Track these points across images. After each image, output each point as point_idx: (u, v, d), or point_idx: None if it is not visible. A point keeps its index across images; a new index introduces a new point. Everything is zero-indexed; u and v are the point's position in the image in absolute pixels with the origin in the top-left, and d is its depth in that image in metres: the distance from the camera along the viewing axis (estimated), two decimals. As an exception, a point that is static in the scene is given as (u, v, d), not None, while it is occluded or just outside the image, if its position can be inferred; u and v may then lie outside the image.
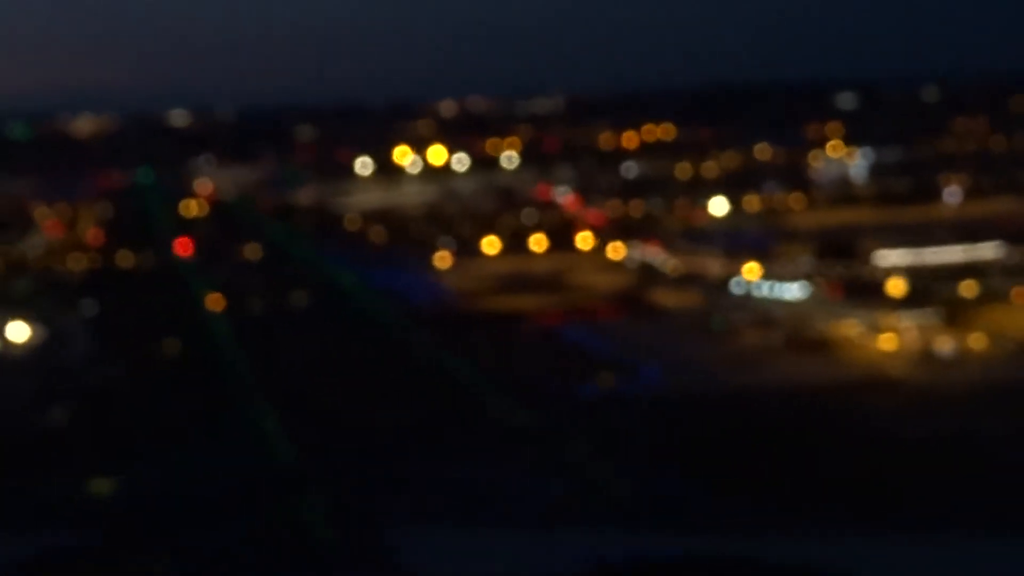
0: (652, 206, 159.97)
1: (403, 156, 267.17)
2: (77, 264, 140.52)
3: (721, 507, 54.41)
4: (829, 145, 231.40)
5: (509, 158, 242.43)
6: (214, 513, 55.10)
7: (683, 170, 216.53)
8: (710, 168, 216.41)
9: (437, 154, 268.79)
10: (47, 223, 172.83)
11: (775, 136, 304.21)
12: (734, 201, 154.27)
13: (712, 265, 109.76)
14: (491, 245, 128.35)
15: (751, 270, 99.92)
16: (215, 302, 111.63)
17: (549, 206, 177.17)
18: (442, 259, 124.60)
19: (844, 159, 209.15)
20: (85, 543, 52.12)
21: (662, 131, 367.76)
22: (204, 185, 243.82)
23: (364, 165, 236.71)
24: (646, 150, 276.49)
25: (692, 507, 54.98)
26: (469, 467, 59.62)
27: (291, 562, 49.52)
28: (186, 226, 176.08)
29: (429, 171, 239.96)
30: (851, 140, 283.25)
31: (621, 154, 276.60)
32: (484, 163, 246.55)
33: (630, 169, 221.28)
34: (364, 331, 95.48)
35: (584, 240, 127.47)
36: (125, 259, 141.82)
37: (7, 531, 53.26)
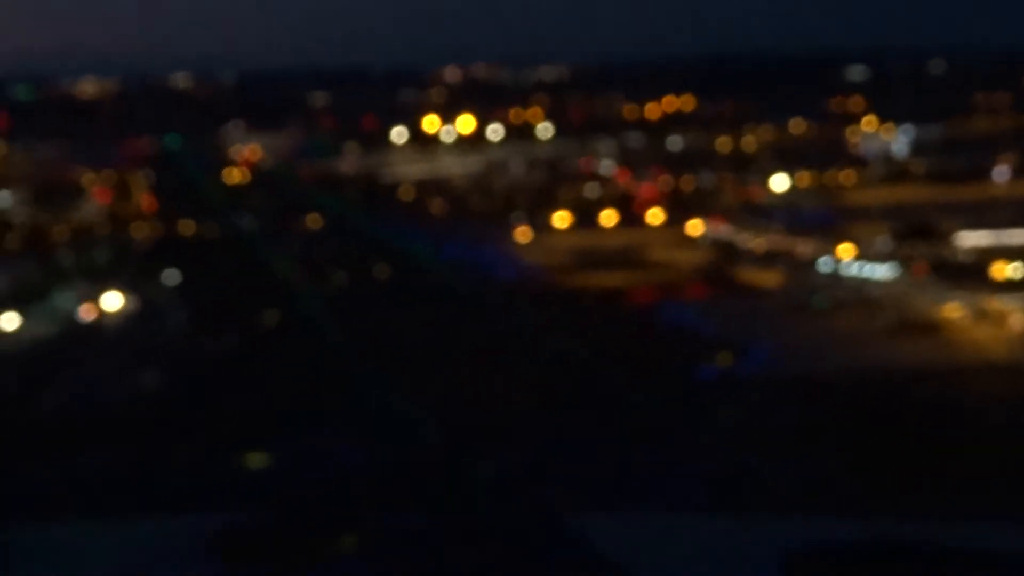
0: (703, 181, 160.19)
1: (432, 125, 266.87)
2: (140, 232, 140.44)
3: (872, 490, 54.82)
4: (864, 120, 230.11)
5: (544, 128, 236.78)
6: (382, 494, 55.45)
7: (723, 144, 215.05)
8: (749, 143, 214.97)
9: (466, 123, 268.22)
10: (95, 190, 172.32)
11: (799, 109, 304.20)
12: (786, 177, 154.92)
13: (792, 243, 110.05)
14: (561, 219, 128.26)
15: (846, 249, 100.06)
16: (297, 272, 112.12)
17: (597, 179, 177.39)
18: (518, 233, 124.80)
19: (882, 135, 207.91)
20: (267, 523, 52.51)
21: (682, 102, 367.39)
22: (241, 152, 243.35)
23: (399, 134, 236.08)
24: (673, 121, 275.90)
25: (844, 490, 55.38)
26: (621, 450, 59.98)
27: (480, 546, 49.80)
28: (234, 194, 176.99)
29: (460, 140, 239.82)
30: (877, 114, 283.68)
31: (647, 125, 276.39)
32: (517, 133, 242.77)
33: (674, 143, 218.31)
34: (462, 307, 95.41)
35: (654, 215, 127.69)
36: (187, 227, 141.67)
37: (186, 509, 53.69)
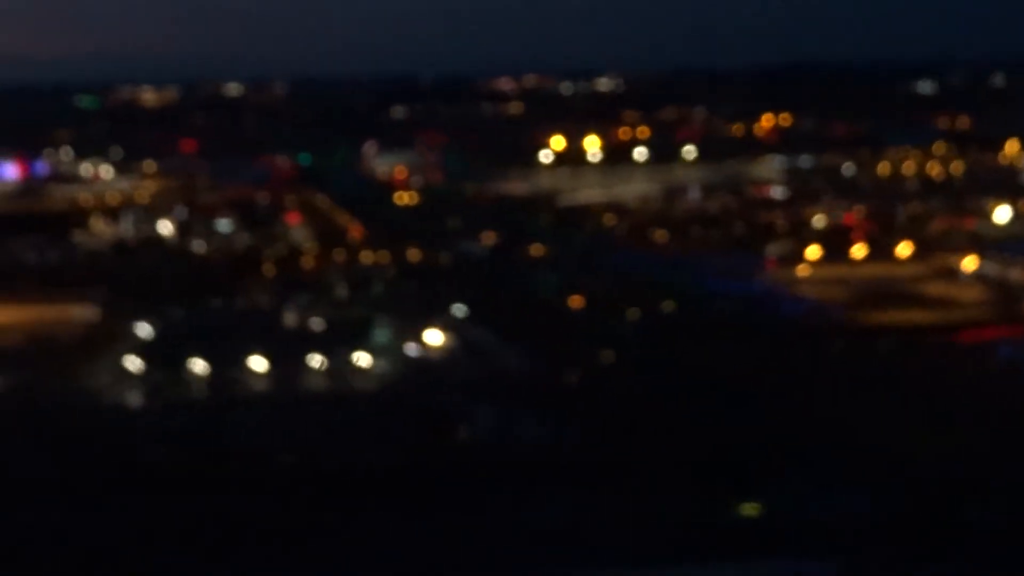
0: (902, 210, 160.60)
1: (559, 144, 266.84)
2: (369, 259, 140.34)
3: None
4: (1008, 145, 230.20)
5: (688, 151, 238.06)
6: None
7: (883, 168, 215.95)
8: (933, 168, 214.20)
9: (592, 143, 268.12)
10: (289, 213, 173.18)
11: (908, 128, 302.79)
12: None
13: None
14: (813, 252, 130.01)
15: None
16: (579, 304, 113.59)
17: (774, 205, 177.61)
18: (772, 265, 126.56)
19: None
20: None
21: (781, 120, 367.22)
22: (389, 172, 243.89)
23: (547, 155, 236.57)
24: (792, 142, 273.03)
25: None
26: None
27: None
28: (421, 216, 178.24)
29: (571, 159, 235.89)
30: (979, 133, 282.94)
31: (759, 143, 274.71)
32: (621, 151, 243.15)
33: (846, 168, 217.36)
34: (787, 347, 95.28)
35: (904, 247, 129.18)
36: (413, 254, 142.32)
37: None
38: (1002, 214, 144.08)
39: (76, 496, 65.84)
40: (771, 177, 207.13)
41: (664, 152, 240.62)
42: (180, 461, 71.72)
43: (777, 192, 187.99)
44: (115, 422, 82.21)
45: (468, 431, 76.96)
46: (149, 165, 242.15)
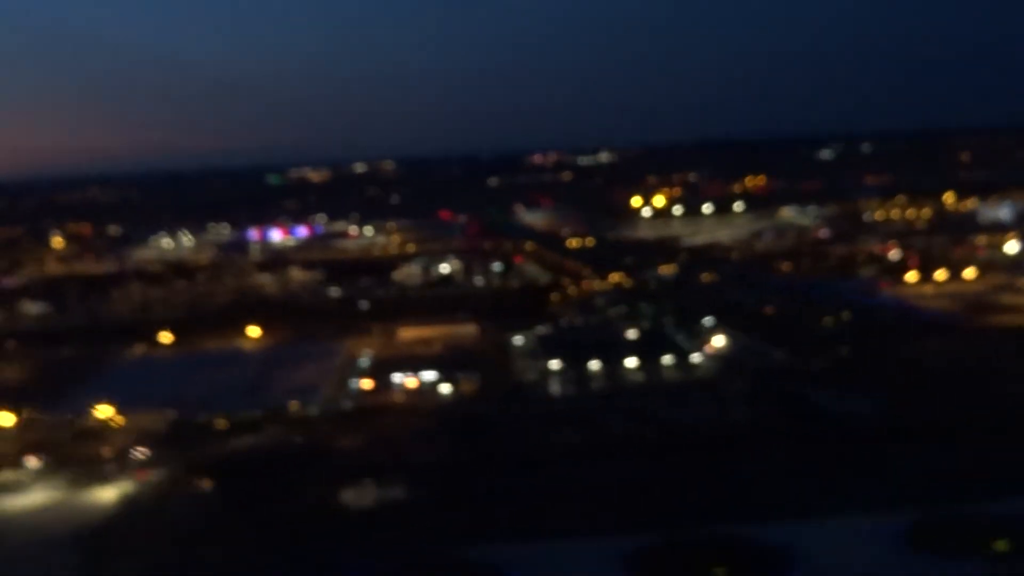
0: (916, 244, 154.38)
1: (637, 201, 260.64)
2: (600, 285, 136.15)
3: None
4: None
5: (805, 210, 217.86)
6: None
7: (879, 214, 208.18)
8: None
9: (659, 200, 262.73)
10: (515, 256, 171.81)
11: (854, 186, 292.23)
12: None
13: None
14: (911, 276, 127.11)
15: None
16: (772, 313, 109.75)
17: (829, 241, 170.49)
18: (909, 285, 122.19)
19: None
20: None
21: (759, 180, 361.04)
22: (544, 224, 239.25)
23: (646, 211, 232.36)
24: (781, 196, 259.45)
25: None
26: None
27: None
28: (596, 255, 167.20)
29: (657, 212, 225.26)
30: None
31: (760, 198, 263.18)
32: (690, 207, 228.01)
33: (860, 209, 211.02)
34: (945, 340, 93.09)
35: (942, 272, 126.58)
36: (625, 280, 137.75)
37: None
38: (1011, 246, 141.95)
39: (607, 458, 66.63)
40: (809, 222, 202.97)
41: (694, 206, 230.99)
42: (645, 433, 71.95)
43: (825, 232, 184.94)
44: (577, 405, 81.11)
45: (812, 407, 75.91)
46: (391, 224, 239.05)
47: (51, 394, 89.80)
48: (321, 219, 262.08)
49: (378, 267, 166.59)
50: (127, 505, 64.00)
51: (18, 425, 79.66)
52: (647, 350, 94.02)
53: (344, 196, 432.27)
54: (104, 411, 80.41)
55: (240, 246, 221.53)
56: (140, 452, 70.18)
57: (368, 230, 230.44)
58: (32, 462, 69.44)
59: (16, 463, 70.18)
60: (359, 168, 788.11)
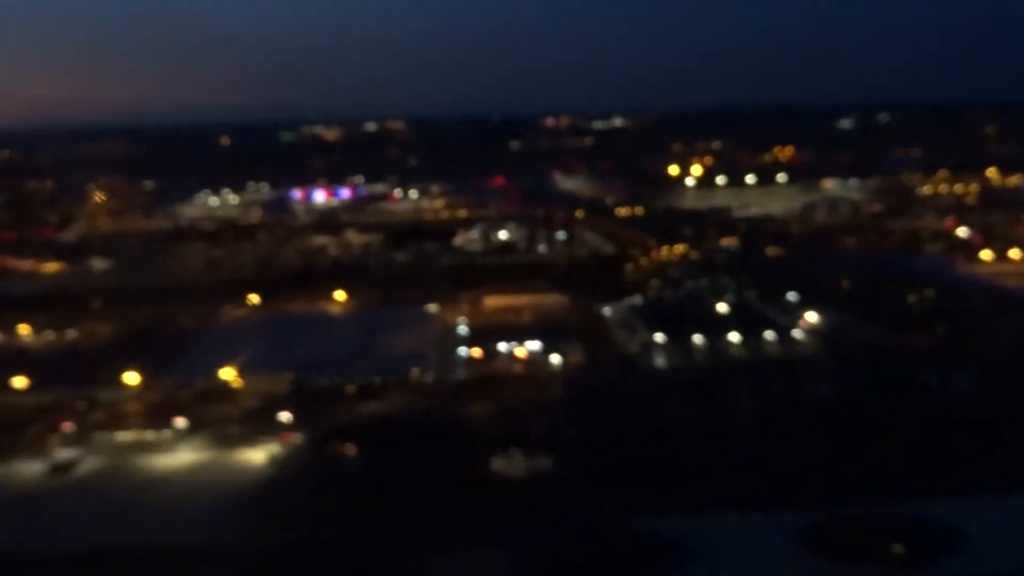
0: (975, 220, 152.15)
1: (674, 170, 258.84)
2: (667, 256, 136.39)
3: None
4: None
5: (847, 183, 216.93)
6: None
7: (928, 189, 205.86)
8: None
9: (697, 169, 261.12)
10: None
11: (886, 160, 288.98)
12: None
13: None
14: (986, 254, 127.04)
15: None
16: (848, 288, 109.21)
17: (883, 216, 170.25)
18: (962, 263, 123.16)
19: None
20: None
21: (786, 152, 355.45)
22: (593, 192, 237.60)
23: (689, 180, 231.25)
24: (813, 168, 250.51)
25: None
26: None
27: None
28: (649, 224, 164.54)
29: (707, 183, 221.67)
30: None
31: (797, 169, 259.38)
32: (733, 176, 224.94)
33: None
34: None
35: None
36: (690, 252, 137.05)
37: None
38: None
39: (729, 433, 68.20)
40: (858, 196, 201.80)
41: (735, 176, 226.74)
42: (772, 409, 72.41)
43: (878, 207, 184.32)
44: (693, 379, 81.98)
45: (923, 387, 76.73)
46: (433, 188, 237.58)
47: (160, 355, 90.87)
48: (359, 180, 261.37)
49: (436, 232, 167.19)
50: (280, 467, 65.70)
51: (142, 386, 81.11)
52: (746, 325, 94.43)
53: (366, 156, 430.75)
54: (227, 373, 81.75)
55: (282, 206, 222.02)
56: (283, 415, 71.63)
57: (413, 193, 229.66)
58: (179, 422, 70.94)
59: (162, 423, 71.68)
60: (370, 127, 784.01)
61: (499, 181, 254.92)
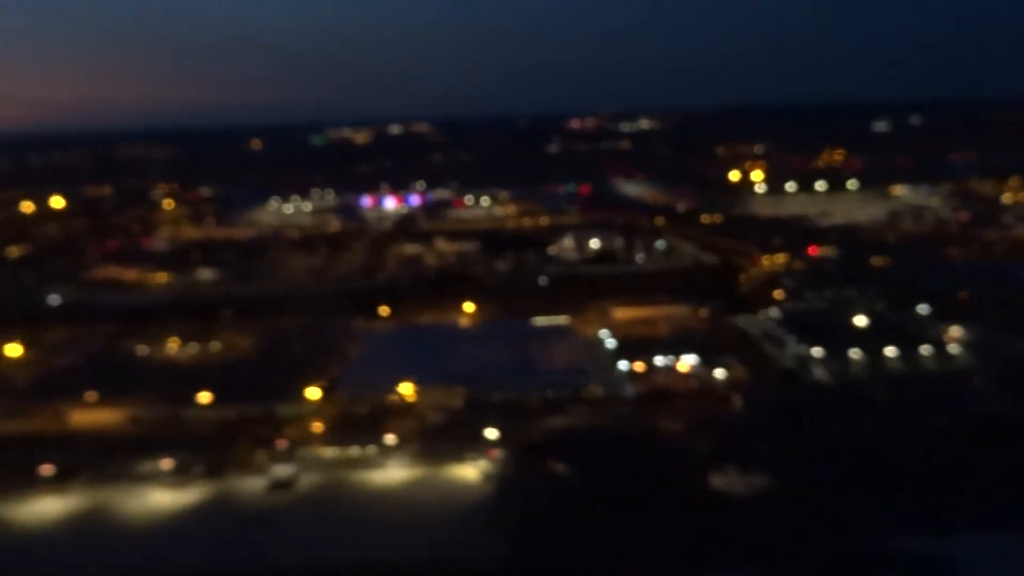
0: None
1: (736, 176, 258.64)
2: (772, 264, 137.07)
3: None
4: None
5: (918, 191, 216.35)
6: None
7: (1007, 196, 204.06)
8: None
9: (758, 175, 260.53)
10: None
11: (942, 164, 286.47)
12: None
13: None
14: None
15: None
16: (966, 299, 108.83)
17: (971, 224, 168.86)
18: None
19: None
20: None
21: (836, 155, 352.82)
22: (659, 198, 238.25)
23: (760, 185, 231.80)
24: (872, 173, 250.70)
25: None
26: None
27: None
28: (733, 231, 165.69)
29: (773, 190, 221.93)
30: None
31: (854, 175, 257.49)
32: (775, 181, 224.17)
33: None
34: None
35: None
36: (789, 261, 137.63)
37: None
38: None
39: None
40: (937, 203, 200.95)
41: (805, 183, 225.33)
42: (960, 424, 73.45)
43: (965, 215, 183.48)
44: (869, 394, 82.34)
45: None
46: (503, 194, 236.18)
47: (315, 367, 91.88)
48: (421, 186, 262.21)
49: (530, 240, 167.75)
50: (497, 483, 66.61)
51: (322, 400, 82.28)
52: (896, 339, 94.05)
53: (406, 160, 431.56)
54: (405, 388, 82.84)
55: (353, 213, 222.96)
56: (490, 431, 72.54)
57: (484, 200, 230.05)
58: (390, 438, 72.01)
59: (368, 439, 72.71)
60: (395, 129, 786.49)
61: (584, 189, 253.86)
